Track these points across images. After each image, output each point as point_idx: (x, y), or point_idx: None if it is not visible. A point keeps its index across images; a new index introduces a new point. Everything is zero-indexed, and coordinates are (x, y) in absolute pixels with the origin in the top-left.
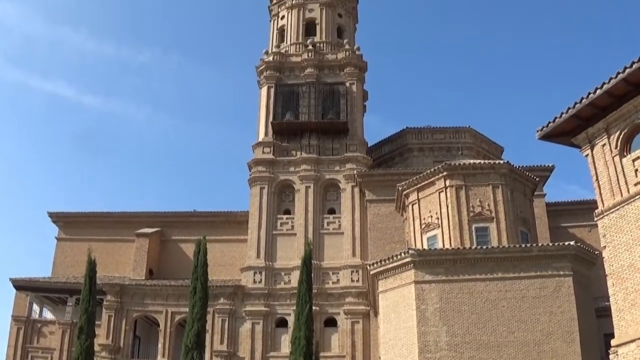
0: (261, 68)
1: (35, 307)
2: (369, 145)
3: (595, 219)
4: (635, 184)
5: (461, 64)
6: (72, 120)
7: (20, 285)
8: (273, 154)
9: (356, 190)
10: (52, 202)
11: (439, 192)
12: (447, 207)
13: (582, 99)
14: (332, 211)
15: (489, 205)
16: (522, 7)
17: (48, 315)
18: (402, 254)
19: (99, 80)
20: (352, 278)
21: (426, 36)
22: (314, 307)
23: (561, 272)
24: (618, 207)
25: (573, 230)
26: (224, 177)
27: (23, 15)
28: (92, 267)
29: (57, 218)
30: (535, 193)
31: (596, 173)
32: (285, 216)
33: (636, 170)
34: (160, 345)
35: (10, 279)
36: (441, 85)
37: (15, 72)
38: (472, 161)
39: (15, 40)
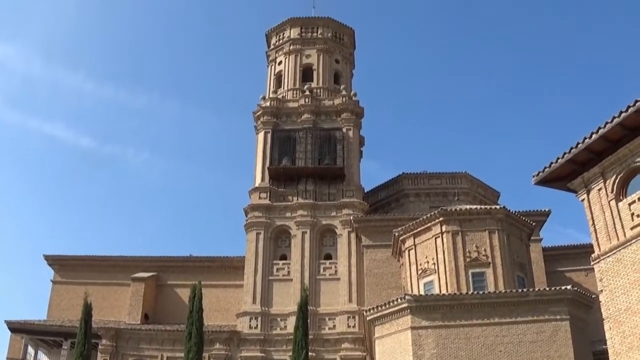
0: (258, 113)
1: (30, 350)
2: (365, 191)
3: (592, 262)
4: (632, 228)
5: (458, 109)
6: (70, 162)
7: (16, 328)
8: (269, 200)
9: (353, 235)
10: (49, 244)
11: (436, 238)
12: (444, 252)
13: (578, 143)
14: (328, 257)
15: (485, 250)
16: (518, 50)
17: (43, 358)
18: (399, 300)
19: (97, 123)
20: (348, 324)
21: (423, 82)
22: (310, 353)
23: (558, 317)
24: (615, 250)
25: (570, 274)
26: (220, 222)
27: (23, 56)
28: (87, 310)
29: (53, 261)
30: (532, 237)
31: (592, 217)
32: (281, 261)
33: (632, 214)
34: None
35: (6, 322)
36: (438, 130)
37: (14, 114)
38: (468, 206)
39: (15, 82)
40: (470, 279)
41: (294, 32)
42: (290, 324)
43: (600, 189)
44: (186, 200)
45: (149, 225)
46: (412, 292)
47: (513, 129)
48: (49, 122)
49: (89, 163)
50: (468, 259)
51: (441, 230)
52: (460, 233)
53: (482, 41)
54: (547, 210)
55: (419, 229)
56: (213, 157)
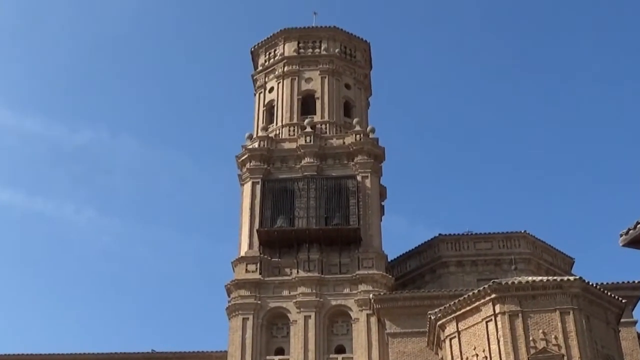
0: (243, 158)
1: None
2: (389, 260)
3: None
4: None
5: (513, 148)
6: None
7: None
8: (260, 273)
9: (373, 320)
10: None
11: (487, 322)
12: (499, 341)
13: None
14: (340, 349)
15: (556, 338)
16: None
17: None
18: None
19: (23, 168)
20: None
21: (465, 111)
22: None
23: None
24: None
25: None
26: (193, 304)
27: None
28: None
29: None
30: (622, 320)
31: None
32: (277, 357)
33: None
34: None
35: None
36: (485, 177)
37: None
38: (530, 278)
39: None
40: None
41: (289, 48)
42: None
43: None
44: (147, 273)
45: (98, 308)
46: None
47: (590, 175)
48: None
49: (12, 223)
50: (533, 351)
51: (494, 311)
52: (520, 314)
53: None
54: None
55: (463, 310)
56: (183, 217)
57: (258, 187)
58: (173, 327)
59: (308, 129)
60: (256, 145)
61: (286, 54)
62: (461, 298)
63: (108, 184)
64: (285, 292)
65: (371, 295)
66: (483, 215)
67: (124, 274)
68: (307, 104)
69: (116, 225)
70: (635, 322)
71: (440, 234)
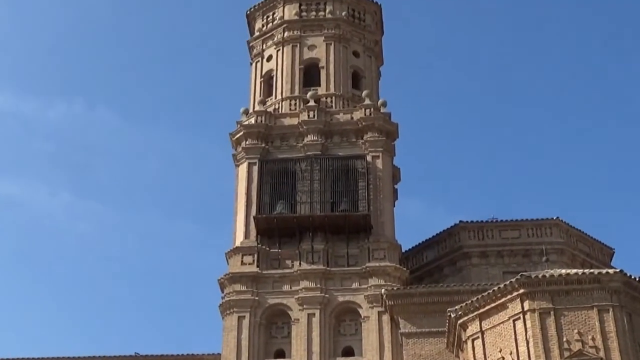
0: (238, 136)
1: None
2: (403, 250)
3: None
4: None
5: (541, 126)
6: None
7: None
8: (258, 266)
9: (385, 318)
10: None
11: (514, 320)
12: (528, 343)
13: None
14: (348, 352)
15: (593, 339)
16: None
17: None
18: None
19: None
20: None
21: (487, 83)
22: None
23: None
24: None
25: None
26: (182, 301)
27: None
28: None
29: None
30: None
31: None
32: None
33: None
34: None
35: None
36: (512, 155)
37: None
38: (564, 271)
39: None
40: None
41: (289, 11)
42: None
43: None
44: (130, 266)
45: (70, 304)
46: None
47: (630, 155)
48: None
49: None
50: (567, 354)
51: (523, 308)
52: (552, 312)
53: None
54: None
55: (488, 307)
56: (171, 202)
57: (255, 169)
58: (159, 327)
59: (311, 103)
60: (252, 121)
61: (286, 18)
62: (485, 293)
63: (85, 165)
64: (286, 287)
65: (383, 291)
66: (510, 199)
67: (104, 266)
68: (310, 74)
69: (95, 211)
70: None
71: (461, 221)
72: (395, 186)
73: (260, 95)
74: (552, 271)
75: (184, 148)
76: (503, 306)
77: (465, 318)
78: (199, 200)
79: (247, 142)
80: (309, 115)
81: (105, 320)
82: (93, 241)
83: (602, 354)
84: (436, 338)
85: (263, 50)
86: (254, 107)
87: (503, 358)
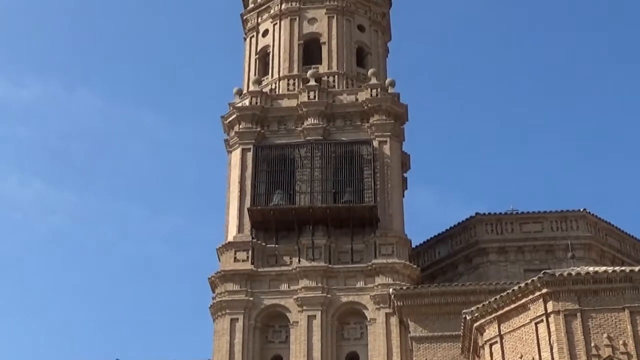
0: (231, 119)
1: None
2: (413, 245)
3: None
4: None
5: (566, 108)
6: None
7: None
8: (252, 263)
9: (393, 321)
10: None
11: (536, 323)
12: (551, 348)
13: None
14: (353, 358)
15: (625, 344)
16: None
17: None
18: None
19: None
20: None
21: (507, 61)
22: None
23: None
24: None
25: None
26: (168, 302)
27: None
28: None
29: None
30: None
31: None
32: None
33: None
34: None
35: None
36: (533, 142)
37: None
38: (592, 269)
39: None
40: None
41: None
42: None
43: None
44: (110, 263)
45: (44, 305)
46: None
47: None
48: None
49: None
50: (596, 359)
51: (546, 309)
52: (579, 314)
53: None
54: None
55: (507, 309)
56: (156, 192)
57: (249, 155)
58: (144, 330)
59: (312, 82)
60: (246, 102)
61: None
62: (504, 293)
63: (61, 150)
64: (284, 287)
65: (391, 290)
66: (532, 189)
67: (80, 264)
68: (310, 50)
69: (71, 202)
70: None
71: (477, 213)
72: (405, 174)
73: (255, 74)
74: (578, 269)
75: (171, 133)
76: (524, 307)
77: (482, 321)
78: (187, 191)
79: (240, 126)
80: (309, 96)
81: (83, 323)
82: (68, 236)
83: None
84: (450, 343)
85: (258, 24)
86: (248, 87)
87: None
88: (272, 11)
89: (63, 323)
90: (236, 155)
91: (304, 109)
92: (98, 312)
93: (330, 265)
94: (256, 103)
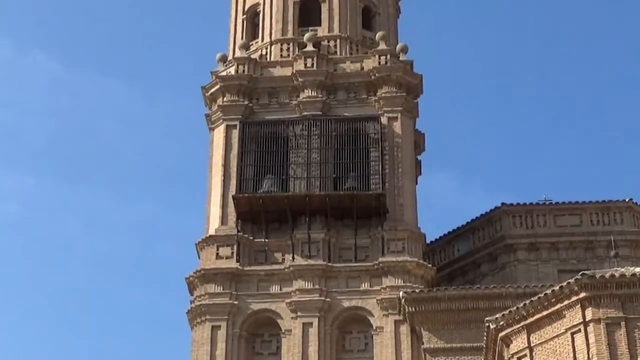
0: (214, 90)
1: None
2: (428, 241)
3: None
4: None
5: (605, 84)
6: None
7: None
8: (238, 260)
9: (404, 329)
10: None
11: (573, 333)
12: None
13: None
14: None
15: None
16: None
17: None
18: None
19: None
20: None
21: (541, 27)
22: None
23: None
24: None
25: None
26: (139, 305)
27: None
28: None
29: None
30: None
31: None
32: None
33: None
34: None
35: None
36: (569, 122)
37: None
38: (638, 270)
39: None
40: None
41: None
42: None
43: None
44: (73, 257)
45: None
46: None
47: None
48: None
49: None
50: None
51: (584, 317)
52: (623, 323)
53: None
54: None
55: (538, 316)
56: (125, 175)
57: (235, 133)
58: (112, 338)
59: (309, 47)
60: (232, 71)
61: None
62: (535, 298)
63: (14, 125)
64: (275, 289)
65: (401, 294)
66: (568, 176)
67: (38, 257)
68: (307, 10)
69: (28, 186)
70: None
71: (504, 204)
72: (419, 157)
73: (242, 38)
74: (622, 269)
75: (143, 106)
76: (558, 315)
77: (509, 330)
78: (161, 174)
79: (224, 99)
80: (306, 64)
81: (45, 326)
82: (23, 226)
83: None
84: (470, 356)
85: None
86: (234, 53)
87: None
88: None
89: (21, 327)
90: (219, 132)
91: (299, 79)
92: (60, 315)
93: (329, 264)
94: (243, 71)
